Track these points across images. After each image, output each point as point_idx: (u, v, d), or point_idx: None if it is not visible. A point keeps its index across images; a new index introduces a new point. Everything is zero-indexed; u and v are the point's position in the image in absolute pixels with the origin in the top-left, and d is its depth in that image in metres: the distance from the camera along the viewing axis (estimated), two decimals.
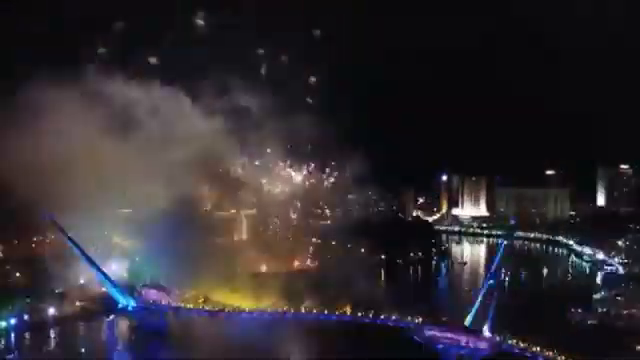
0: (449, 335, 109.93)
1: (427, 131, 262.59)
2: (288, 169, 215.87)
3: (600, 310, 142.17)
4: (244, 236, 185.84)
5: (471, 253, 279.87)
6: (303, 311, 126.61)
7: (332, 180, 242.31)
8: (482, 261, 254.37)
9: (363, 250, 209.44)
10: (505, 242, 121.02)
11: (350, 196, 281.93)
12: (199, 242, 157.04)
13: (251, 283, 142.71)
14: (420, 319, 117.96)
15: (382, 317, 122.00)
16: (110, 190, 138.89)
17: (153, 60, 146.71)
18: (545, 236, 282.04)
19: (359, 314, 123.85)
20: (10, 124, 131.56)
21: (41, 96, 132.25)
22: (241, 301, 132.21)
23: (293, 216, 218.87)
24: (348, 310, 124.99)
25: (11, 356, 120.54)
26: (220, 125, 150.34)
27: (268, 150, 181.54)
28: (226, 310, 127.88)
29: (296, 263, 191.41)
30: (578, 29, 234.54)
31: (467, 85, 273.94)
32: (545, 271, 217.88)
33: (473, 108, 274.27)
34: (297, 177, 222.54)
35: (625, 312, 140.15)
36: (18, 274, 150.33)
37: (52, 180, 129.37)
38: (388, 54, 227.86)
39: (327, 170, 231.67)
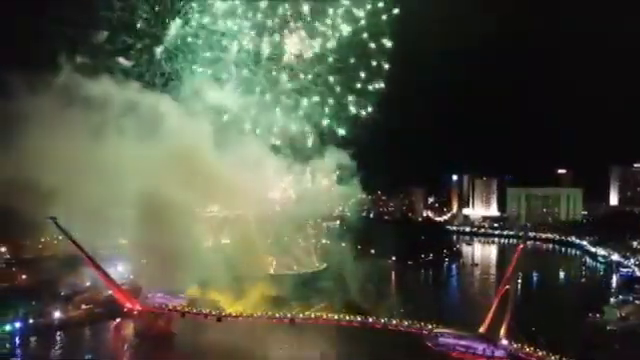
0: (464, 342, 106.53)
1: (437, 131, 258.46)
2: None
3: (619, 315, 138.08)
4: (250, 237, 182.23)
5: (482, 254, 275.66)
6: (312, 315, 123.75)
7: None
8: (494, 262, 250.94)
9: (373, 252, 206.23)
10: (522, 246, 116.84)
11: (360, 196, 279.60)
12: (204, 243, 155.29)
13: (258, 285, 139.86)
14: (433, 325, 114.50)
15: (393, 322, 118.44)
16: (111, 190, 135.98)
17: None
18: (558, 237, 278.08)
19: (370, 319, 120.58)
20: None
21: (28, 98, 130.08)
22: (248, 304, 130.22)
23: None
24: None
25: None
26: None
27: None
28: (232, 314, 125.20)
29: (304, 265, 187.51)
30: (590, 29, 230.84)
31: (476, 85, 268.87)
32: (558, 273, 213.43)
33: (483, 107, 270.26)
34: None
35: None
36: (24, 276, 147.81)
37: (55, 180, 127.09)
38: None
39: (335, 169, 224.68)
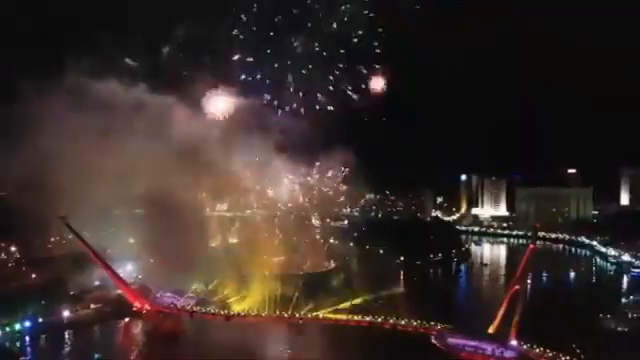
0: (473, 343, 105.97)
1: (446, 130, 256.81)
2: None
3: (630, 316, 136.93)
4: (258, 237, 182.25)
5: (492, 254, 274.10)
6: (320, 315, 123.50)
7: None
8: (503, 263, 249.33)
9: (382, 252, 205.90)
10: (532, 246, 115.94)
11: (368, 196, 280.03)
12: (212, 243, 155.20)
13: (266, 285, 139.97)
14: (442, 325, 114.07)
15: (402, 322, 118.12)
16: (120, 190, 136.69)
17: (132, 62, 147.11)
18: (567, 237, 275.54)
19: (379, 319, 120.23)
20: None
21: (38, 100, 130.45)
22: (256, 304, 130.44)
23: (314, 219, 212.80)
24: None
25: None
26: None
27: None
28: (241, 314, 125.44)
29: (313, 265, 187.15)
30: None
31: (484, 84, 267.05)
32: (569, 274, 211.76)
33: (492, 107, 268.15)
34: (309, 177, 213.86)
35: None
36: (34, 275, 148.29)
37: (65, 181, 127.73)
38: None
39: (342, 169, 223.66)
